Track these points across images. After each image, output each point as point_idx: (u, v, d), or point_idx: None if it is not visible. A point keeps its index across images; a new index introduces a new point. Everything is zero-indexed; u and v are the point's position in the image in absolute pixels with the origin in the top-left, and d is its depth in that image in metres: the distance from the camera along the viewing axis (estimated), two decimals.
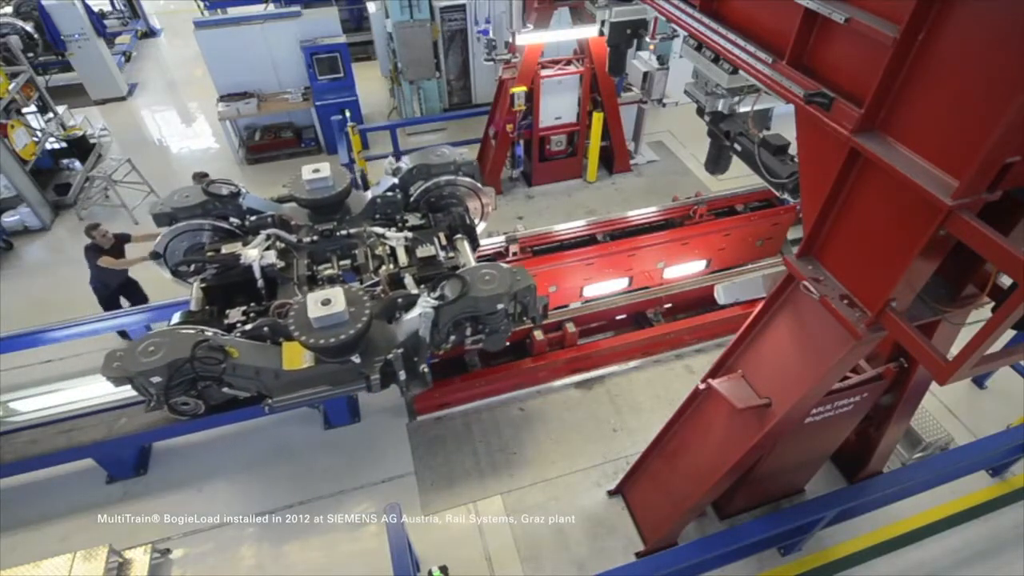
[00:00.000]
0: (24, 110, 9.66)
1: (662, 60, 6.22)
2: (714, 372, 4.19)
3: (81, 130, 10.26)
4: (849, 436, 4.94)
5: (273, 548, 5.34)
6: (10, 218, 8.90)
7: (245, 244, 4.99)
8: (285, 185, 5.36)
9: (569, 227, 6.97)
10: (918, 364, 4.27)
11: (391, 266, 5.03)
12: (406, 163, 5.50)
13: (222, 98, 10.07)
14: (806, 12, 2.74)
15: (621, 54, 6.08)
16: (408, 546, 4.23)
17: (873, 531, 5.33)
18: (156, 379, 3.95)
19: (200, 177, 6.08)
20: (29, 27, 10.84)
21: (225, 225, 5.23)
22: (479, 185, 5.66)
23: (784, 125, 3.88)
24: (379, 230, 5.24)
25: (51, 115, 10.31)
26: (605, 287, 7.07)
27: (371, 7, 11.12)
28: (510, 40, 7.89)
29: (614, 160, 9.92)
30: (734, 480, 4.59)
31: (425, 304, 4.26)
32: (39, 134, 9.66)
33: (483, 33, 9.19)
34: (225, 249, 4.99)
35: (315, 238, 5.21)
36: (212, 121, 11.52)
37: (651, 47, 6.10)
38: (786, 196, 4.04)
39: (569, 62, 8.65)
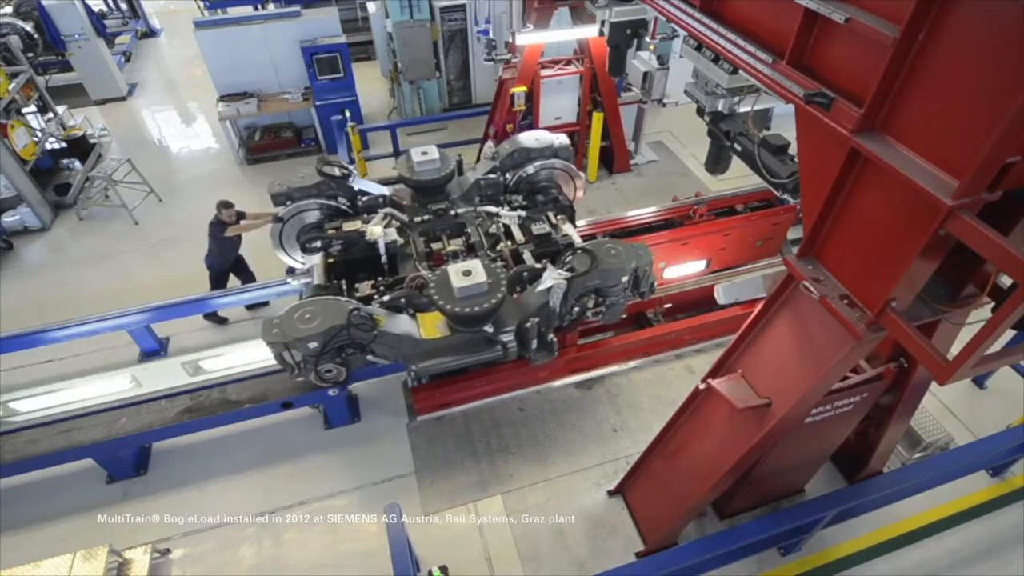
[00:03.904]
0: (24, 110, 9.66)
1: (662, 60, 6.21)
2: (714, 372, 4.18)
3: (81, 130, 10.25)
4: (849, 436, 4.94)
5: (273, 548, 5.34)
6: (10, 218, 8.90)
7: (364, 223, 5.22)
8: (394, 167, 5.70)
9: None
10: (918, 364, 4.27)
11: (509, 242, 5.25)
12: (506, 147, 5.75)
13: (222, 98, 10.08)
14: (806, 12, 2.75)
15: (621, 54, 6.08)
16: (408, 546, 4.24)
17: (873, 531, 5.33)
18: (312, 344, 4.11)
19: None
20: (29, 27, 10.82)
21: (336, 204, 5.47)
22: (574, 168, 5.93)
23: (784, 125, 3.89)
24: (492, 209, 5.49)
25: (51, 115, 10.30)
26: None
27: (371, 7, 11.12)
28: (510, 40, 7.88)
29: (614, 160, 9.92)
30: (734, 480, 4.59)
31: (558, 276, 4.40)
32: (39, 134, 9.66)
33: (483, 33, 9.19)
34: (346, 227, 5.23)
35: (427, 217, 5.46)
36: (212, 121, 11.52)
37: (651, 47, 6.11)
38: (786, 196, 4.06)
39: (569, 62, 8.65)
